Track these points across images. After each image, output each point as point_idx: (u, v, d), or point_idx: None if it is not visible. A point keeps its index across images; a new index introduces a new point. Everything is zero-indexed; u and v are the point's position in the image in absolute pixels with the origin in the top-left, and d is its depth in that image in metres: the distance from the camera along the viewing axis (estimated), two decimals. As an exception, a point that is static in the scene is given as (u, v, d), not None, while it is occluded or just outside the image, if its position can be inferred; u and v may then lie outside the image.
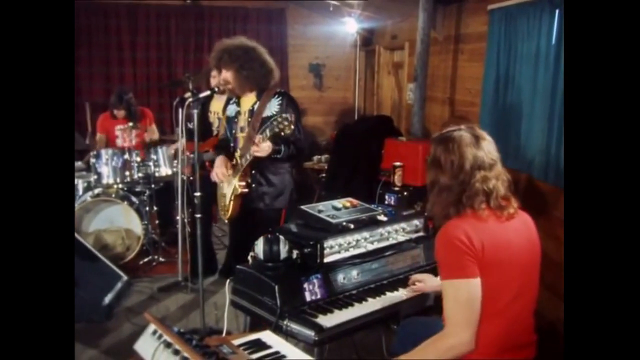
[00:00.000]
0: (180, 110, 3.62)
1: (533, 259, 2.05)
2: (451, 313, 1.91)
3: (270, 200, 3.56)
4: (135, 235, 4.90)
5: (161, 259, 5.02)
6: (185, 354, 1.64)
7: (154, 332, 1.81)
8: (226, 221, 3.83)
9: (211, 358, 1.66)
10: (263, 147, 3.22)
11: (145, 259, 4.99)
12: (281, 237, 2.52)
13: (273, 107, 3.46)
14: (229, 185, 3.57)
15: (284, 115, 3.07)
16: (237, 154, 3.55)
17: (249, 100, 3.57)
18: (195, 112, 3.34)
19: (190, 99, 3.36)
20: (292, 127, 3.06)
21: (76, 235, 4.27)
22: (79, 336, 3.57)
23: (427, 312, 2.60)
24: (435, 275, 2.74)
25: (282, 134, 3.09)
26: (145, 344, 1.81)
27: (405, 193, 4.31)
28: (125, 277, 4.35)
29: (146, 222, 4.97)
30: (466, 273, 1.87)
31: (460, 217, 1.96)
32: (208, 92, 3.50)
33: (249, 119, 3.51)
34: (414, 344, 2.35)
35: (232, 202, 3.56)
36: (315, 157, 6.63)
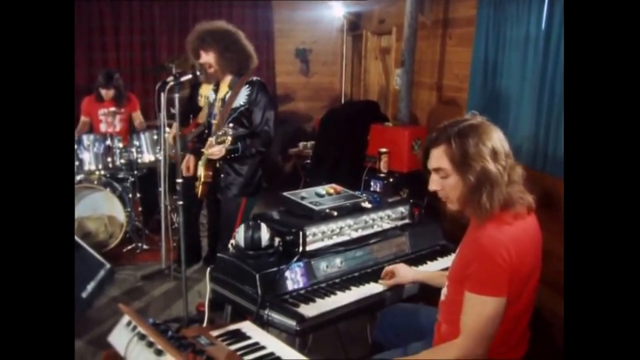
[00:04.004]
0: (162, 94, 3.56)
1: (539, 258, 1.96)
2: (470, 326, 1.81)
3: (238, 190, 3.58)
4: (118, 222, 4.82)
5: (145, 247, 4.95)
6: (159, 346, 1.58)
7: (129, 323, 1.75)
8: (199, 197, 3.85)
9: (187, 350, 1.61)
10: (213, 152, 3.32)
11: (129, 247, 4.92)
12: (263, 224, 2.46)
13: (242, 97, 3.49)
14: (199, 171, 3.64)
15: (225, 129, 3.19)
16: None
17: (224, 88, 3.59)
18: (176, 96, 3.28)
19: (172, 83, 3.30)
20: (229, 139, 3.19)
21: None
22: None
23: (412, 300, 2.55)
24: (417, 264, 2.70)
25: (222, 145, 3.22)
26: (120, 336, 1.76)
27: (391, 179, 4.27)
28: (108, 265, 4.30)
29: (129, 209, 4.89)
30: (500, 292, 1.77)
31: (495, 226, 1.80)
32: (189, 76, 3.42)
33: (221, 108, 3.54)
34: (395, 332, 2.32)
35: (201, 186, 3.63)
36: (301, 144, 6.56)
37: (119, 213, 4.80)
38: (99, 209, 4.85)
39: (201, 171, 3.58)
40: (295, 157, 6.73)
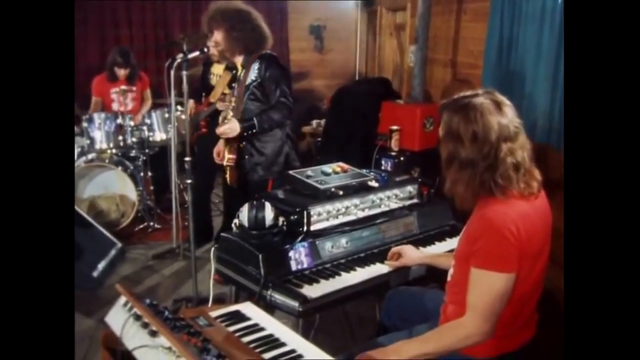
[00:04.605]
0: (171, 72, 3.53)
1: (549, 237, 1.91)
2: (477, 302, 1.78)
3: (264, 171, 3.46)
4: (130, 201, 4.81)
5: (156, 226, 4.95)
6: (154, 328, 1.55)
7: (125, 304, 1.73)
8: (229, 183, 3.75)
9: (182, 331, 1.58)
10: (225, 130, 3.27)
11: (140, 226, 4.92)
12: (267, 203, 2.42)
13: (253, 73, 3.39)
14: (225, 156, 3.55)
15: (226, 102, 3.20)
16: None
17: (239, 68, 3.51)
18: (184, 73, 3.24)
19: (179, 60, 3.26)
20: (231, 112, 3.27)
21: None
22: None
23: (419, 282, 2.50)
24: (425, 245, 2.65)
25: (226, 120, 3.24)
26: (116, 316, 1.74)
27: (402, 158, 4.20)
28: (119, 244, 4.31)
29: (141, 188, 4.88)
30: (509, 268, 1.74)
31: (502, 202, 1.77)
32: (197, 53, 3.38)
33: (238, 88, 3.46)
34: (401, 315, 2.28)
35: (228, 171, 3.54)
36: (315, 122, 6.49)
37: (131, 192, 4.79)
38: (111, 188, 4.85)
39: (225, 155, 3.51)
40: (308, 135, 6.67)
